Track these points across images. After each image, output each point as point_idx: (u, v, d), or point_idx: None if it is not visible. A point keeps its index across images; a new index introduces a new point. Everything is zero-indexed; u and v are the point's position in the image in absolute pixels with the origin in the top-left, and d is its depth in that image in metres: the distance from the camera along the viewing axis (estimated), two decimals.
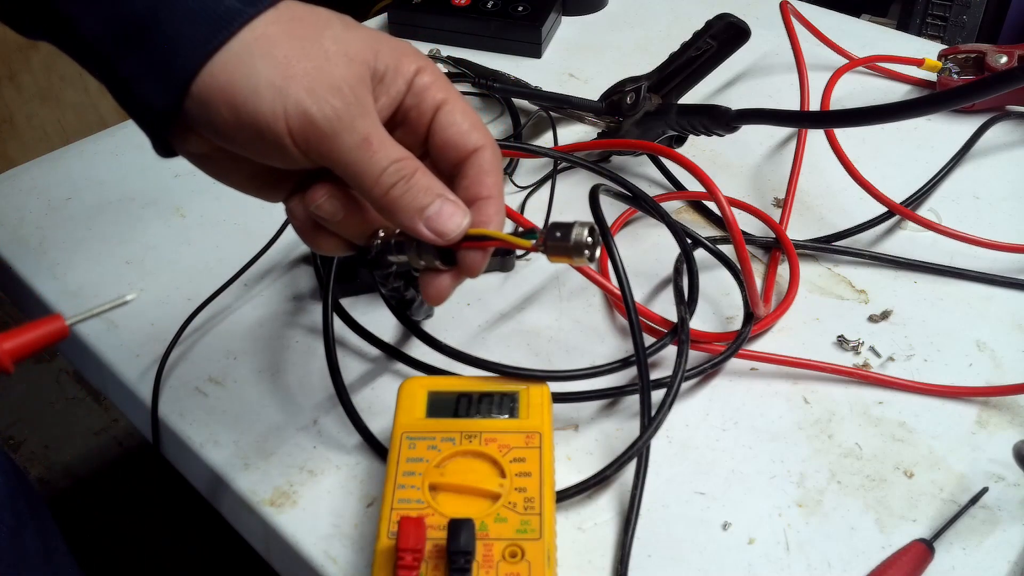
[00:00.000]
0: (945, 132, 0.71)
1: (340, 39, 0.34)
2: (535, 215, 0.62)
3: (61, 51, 0.36)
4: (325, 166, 0.35)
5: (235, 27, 0.33)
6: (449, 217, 0.36)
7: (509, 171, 0.66)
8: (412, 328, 0.50)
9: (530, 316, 0.55)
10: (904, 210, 0.61)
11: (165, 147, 0.36)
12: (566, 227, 0.37)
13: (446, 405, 0.43)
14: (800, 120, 0.66)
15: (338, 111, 0.33)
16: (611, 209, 0.56)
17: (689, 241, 0.55)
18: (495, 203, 0.38)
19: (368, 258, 0.40)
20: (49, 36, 0.36)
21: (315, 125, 0.33)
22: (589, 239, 0.37)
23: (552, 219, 0.37)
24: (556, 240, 0.37)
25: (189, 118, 0.34)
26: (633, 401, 0.49)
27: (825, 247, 0.60)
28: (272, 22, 0.34)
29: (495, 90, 0.69)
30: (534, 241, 0.37)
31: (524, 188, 0.65)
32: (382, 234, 0.39)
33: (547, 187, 0.64)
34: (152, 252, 0.60)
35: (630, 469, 0.45)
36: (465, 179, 0.38)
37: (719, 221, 0.63)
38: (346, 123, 0.33)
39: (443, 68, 0.74)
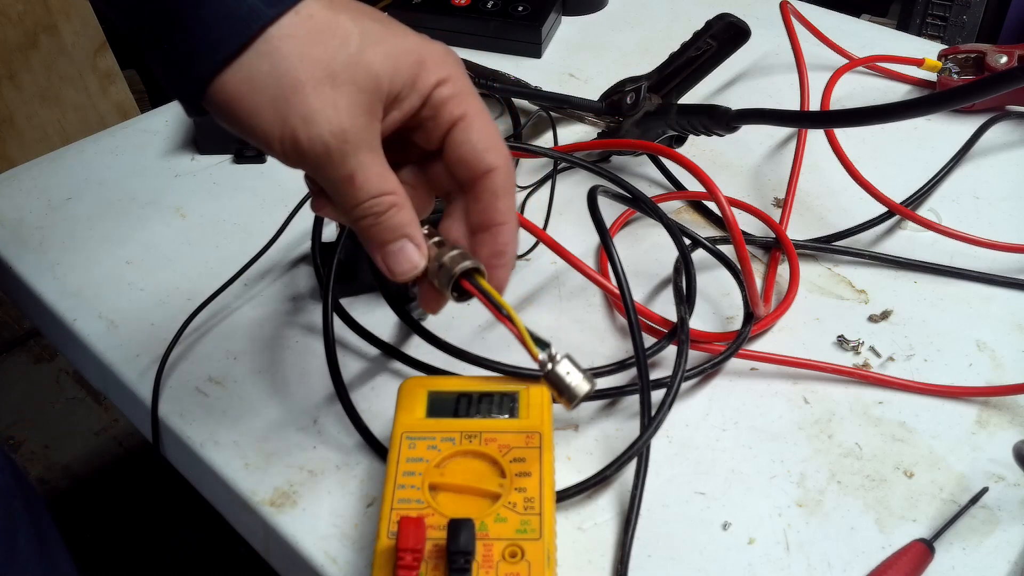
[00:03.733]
0: (945, 132, 0.71)
1: (353, 62, 0.34)
2: (535, 215, 0.62)
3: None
4: None
5: (253, 31, 0.33)
6: (405, 259, 0.37)
7: None
8: (414, 326, 0.50)
9: (530, 316, 0.55)
10: (904, 210, 0.61)
11: (197, 112, 0.36)
12: (576, 371, 0.38)
13: (446, 405, 0.43)
14: (800, 120, 0.66)
15: (328, 147, 0.33)
16: (611, 209, 0.56)
17: (688, 242, 0.55)
18: (508, 230, 0.38)
19: None
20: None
21: (303, 155, 0.34)
22: (583, 395, 0.38)
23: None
24: (559, 374, 0.38)
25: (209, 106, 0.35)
26: (633, 401, 0.49)
27: (825, 247, 0.60)
28: (289, 34, 0.33)
29: (495, 90, 0.69)
30: (541, 356, 0.38)
31: (524, 188, 0.65)
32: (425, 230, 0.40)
33: (547, 187, 0.64)
34: (152, 252, 0.60)
35: (630, 469, 0.45)
36: (478, 203, 0.38)
37: (719, 221, 0.63)
38: (334, 160, 0.34)
39: None
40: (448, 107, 0.36)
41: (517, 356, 0.52)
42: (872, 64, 0.79)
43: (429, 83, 0.36)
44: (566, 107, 0.68)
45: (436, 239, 0.39)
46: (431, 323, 0.52)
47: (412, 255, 0.37)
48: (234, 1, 0.32)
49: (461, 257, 0.37)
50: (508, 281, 0.39)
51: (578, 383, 0.37)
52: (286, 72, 0.33)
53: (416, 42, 0.36)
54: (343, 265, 0.53)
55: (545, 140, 0.71)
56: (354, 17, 0.35)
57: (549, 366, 0.38)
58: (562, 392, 0.38)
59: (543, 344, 0.38)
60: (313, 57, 0.33)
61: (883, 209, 0.61)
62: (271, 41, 0.33)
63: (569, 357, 0.38)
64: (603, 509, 0.45)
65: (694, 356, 0.50)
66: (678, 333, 0.49)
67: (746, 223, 0.62)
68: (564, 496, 0.44)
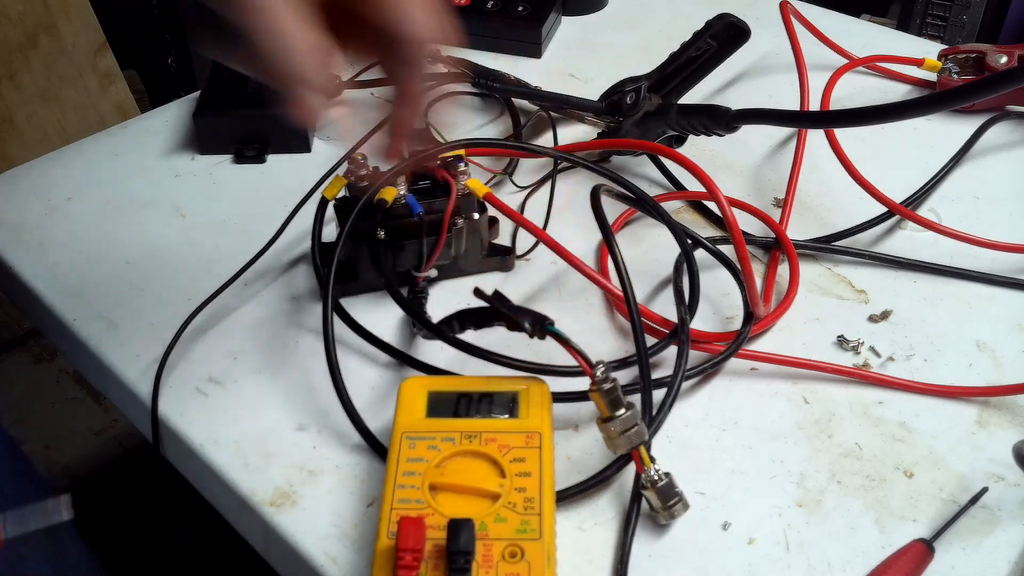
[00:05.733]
0: (945, 132, 0.71)
1: None
2: (535, 215, 0.62)
3: None
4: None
5: None
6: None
7: (509, 171, 0.66)
8: (423, 322, 0.50)
9: None
10: (904, 210, 0.61)
11: None
12: (680, 497, 0.43)
13: (446, 405, 0.43)
14: (800, 120, 0.66)
15: None
16: (611, 209, 0.56)
17: (689, 241, 0.55)
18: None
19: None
20: None
21: None
22: (677, 515, 0.43)
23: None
24: (666, 497, 0.43)
25: None
26: (633, 401, 0.49)
27: (825, 247, 0.60)
28: None
29: (495, 90, 0.69)
30: (645, 473, 0.43)
31: (524, 188, 0.65)
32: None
33: (547, 187, 0.64)
34: (152, 252, 0.60)
35: (630, 469, 0.45)
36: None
37: (719, 221, 0.63)
38: None
39: (442, 68, 0.74)
40: None
41: (517, 356, 0.52)
42: (872, 64, 0.79)
43: None
44: (566, 107, 0.68)
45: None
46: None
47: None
48: None
49: (640, 432, 0.42)
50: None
51: (676, 509, 0.43)
52: None
53: None
54: (343, 265, 0.53)
55: (545, 140, 0.71)
56: None
57: (655, 487, 0.42)
58: (658, 513, 0.43)
59: (650, 460, 0.43)
60: None
61: (883, 209, 0.61)
62: None
63: (672, 481, 0.43)
64: (603, 509, 0.45)
65: (694, 356, 0.50)
66: (679, 333, 0.49)
67: (746, 223, 0.62)
68: (564, 496, 0.44)
